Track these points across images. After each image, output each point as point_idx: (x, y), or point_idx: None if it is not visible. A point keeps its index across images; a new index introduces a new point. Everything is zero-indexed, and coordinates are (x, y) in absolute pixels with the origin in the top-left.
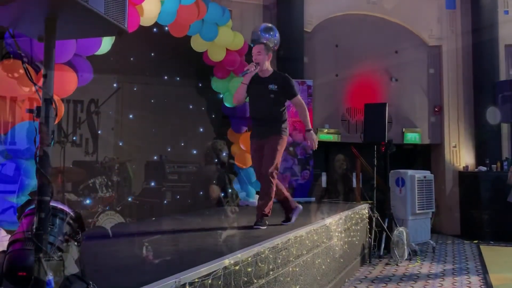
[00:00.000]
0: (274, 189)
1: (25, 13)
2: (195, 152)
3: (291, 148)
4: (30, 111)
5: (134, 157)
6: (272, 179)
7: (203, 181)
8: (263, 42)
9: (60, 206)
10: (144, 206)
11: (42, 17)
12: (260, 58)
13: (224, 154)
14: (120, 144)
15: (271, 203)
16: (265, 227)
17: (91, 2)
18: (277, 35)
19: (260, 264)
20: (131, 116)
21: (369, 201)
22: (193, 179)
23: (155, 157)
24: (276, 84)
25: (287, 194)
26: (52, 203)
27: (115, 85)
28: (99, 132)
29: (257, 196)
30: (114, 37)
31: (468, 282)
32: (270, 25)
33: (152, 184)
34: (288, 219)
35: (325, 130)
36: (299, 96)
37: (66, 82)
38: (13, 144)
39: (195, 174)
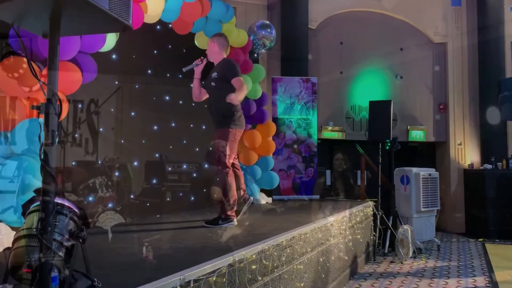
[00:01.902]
0: (229, 181)
1: (30, 9)
2: (197, 150)
3: (295, 146)
4: (35, 107)
5: (134, 156)
6: (224, 171)
7: (204, 180)
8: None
9: (65, 203)
10: (146, 205)
11: (47, 14)
12: (208, 51)
13: None
14: (122, 142)
15: (231, 194)
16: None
17: None
18: (274, 32)
19: (264, 262)
20: (132, 113)
21: (374, 199)
22: (194, 178)
23: (157, 155)
24: (217, 70)
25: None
26: (57, 200)
27: (116, 82)
28: (100, 129)
29: (262, 194)
30: (118, 34)
31: (474, 281)
32: (267, 22)
33: (152, 184)
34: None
35: (330, 128)
36: (240, 78)
37: (71, 79)
38: (13, 142)
39: (196, 173)
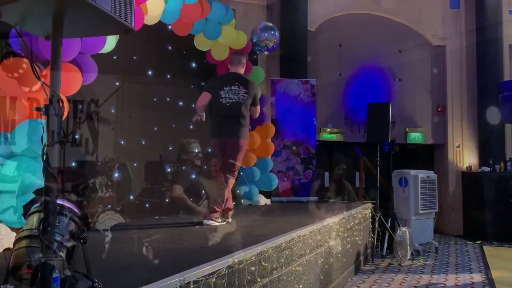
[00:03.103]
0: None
1: (33, 11)
2: (196, 151)
3: (294, 148)
4: (38, 109)
5: (134, 157)
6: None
7: (204, 181)
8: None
9: (66, 204)
10: (145, 205)
11: (50, 16)
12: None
13: (195, 152)
14: (122, 142)
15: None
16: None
17: (98, 0)
18: (277, 34)
19: (263, 263)
20: (132, 114)
21: (372, 201)
22: (194, 179)
23: (157, 155)
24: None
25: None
26: (58, 201)
27: (117, 83)
28: (100, 130)
29: (260, 195)
30: (118, 36)
31: (471, 283)
32: (270, 24)
33: (152, 184)
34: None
35: (328, 130)
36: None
37: (71, 81)
38: (13, 142)
39: (195, 174)
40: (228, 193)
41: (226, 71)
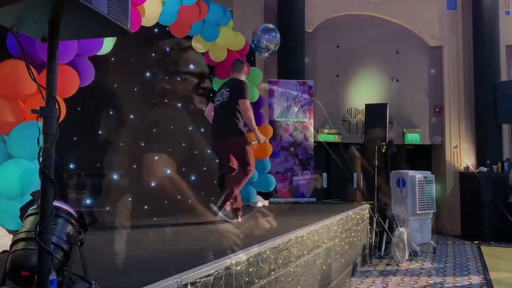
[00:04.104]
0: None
1: (29, 14)
2: (196, 152)
3: (292, 149)
4: (34, 111)
5: (133, 158)
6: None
7: (203, 183)
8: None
9: (63, 206)
10: (144, 206)
11: (46, 18)
12: None
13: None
14: (121, 144)
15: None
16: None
17: (94, 2)
18: (278, 35)
19: (261, 264)
20: (131, 116)
21: (370, 202)
22: (193, 181)
23: (156, 158)
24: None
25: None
26: (55, 203)
27: (115, 85)
28: (99, 132)
29: (258, 197)
30: (115, 38)
31: (469, 283)
32: (270, 25)
33: (151, 185)
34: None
35: (326, 131)
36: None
37: (68, 83)
38: (11, 145)
39: (194, 176)
40: (237, 191)
41: (224, 72)
